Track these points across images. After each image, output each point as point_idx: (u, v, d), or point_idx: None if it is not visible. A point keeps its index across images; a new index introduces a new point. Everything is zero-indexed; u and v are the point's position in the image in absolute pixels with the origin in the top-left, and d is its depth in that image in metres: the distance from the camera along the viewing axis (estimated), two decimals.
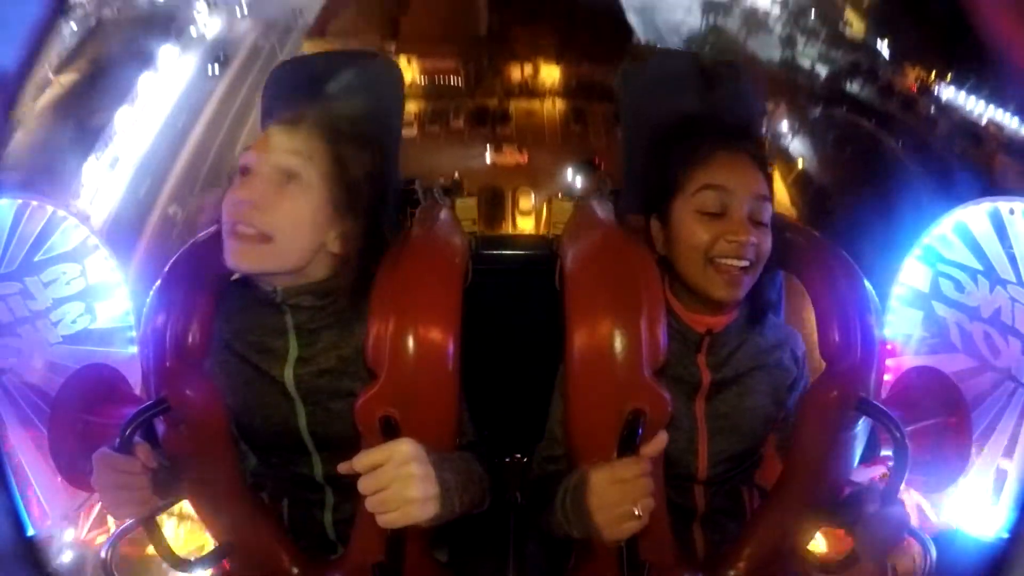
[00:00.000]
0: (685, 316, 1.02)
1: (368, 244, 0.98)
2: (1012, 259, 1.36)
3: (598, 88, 16.48)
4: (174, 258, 1.06)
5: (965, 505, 1.36)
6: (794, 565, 1.06)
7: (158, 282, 1.04)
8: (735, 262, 0.93)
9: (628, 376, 0.90)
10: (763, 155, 1.02)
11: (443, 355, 0.88)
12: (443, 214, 1.14)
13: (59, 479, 1.38)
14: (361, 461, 0.77)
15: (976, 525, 1.32)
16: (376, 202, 1.00)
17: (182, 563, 1.00)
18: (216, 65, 17.25)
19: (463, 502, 0.84)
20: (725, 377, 1.03)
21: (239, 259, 0.91)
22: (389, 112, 1.19)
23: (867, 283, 1.07)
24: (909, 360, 1.48)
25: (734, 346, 1.04)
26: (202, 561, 1.03)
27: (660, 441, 0.83)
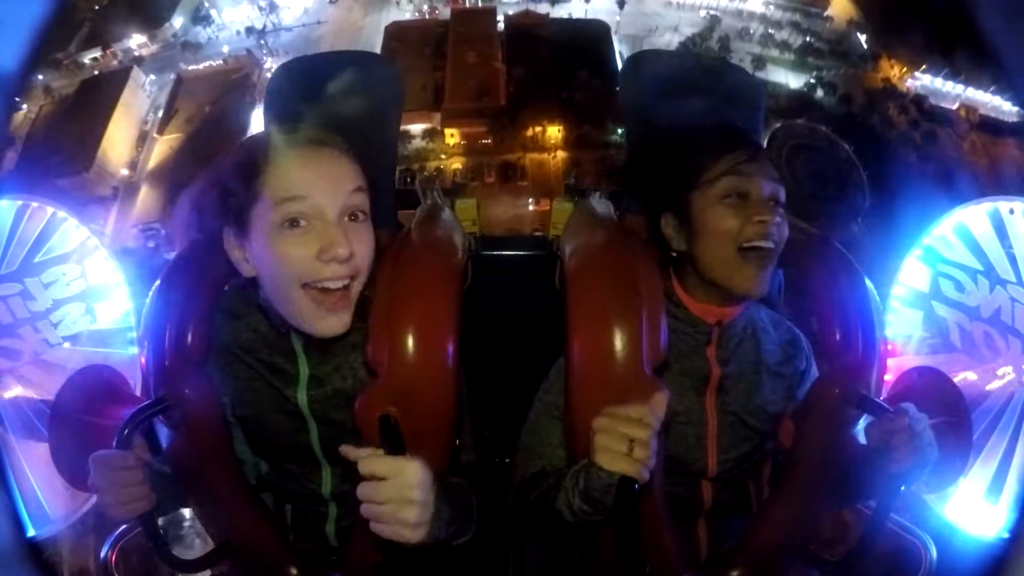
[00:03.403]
0: (695, 308, 1.03)
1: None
2: (1012, 259, 1.36)
3: (591, 141, 21.48)
4: (173, 259, 1.06)
5: (965, 505, 1.35)
6: (797, 563, 1.06)
7: (158, 282, 1.05)
8: (763, 243, 0.95)
9: (629, 374, 0.90)
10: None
11: (443, 354, 0.89)
12: (443, 214, 1.14)
13: (59, 479, 1.37)
14: (367, 466, 0.76)
15: (976, 525, 1.32)
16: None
17: (182, 564, 1.00)
18: None
19: (449, 532, 0.84)
20: (733, 372, 1.03)
21: (344, 324, 0.89)
22: (388, 112, 1.19)
23: (868, 282, 1.08)
24: (909, 360, 1.48)
25: (740, 340, 1.05)
26: (202, 561, 1.03)
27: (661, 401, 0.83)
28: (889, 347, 1.42)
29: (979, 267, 1.40)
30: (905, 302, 1.51)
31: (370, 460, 0.77)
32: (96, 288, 1.48)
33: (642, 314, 0.92)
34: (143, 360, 1.05)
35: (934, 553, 1.00)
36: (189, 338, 1.00)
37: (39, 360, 1.42)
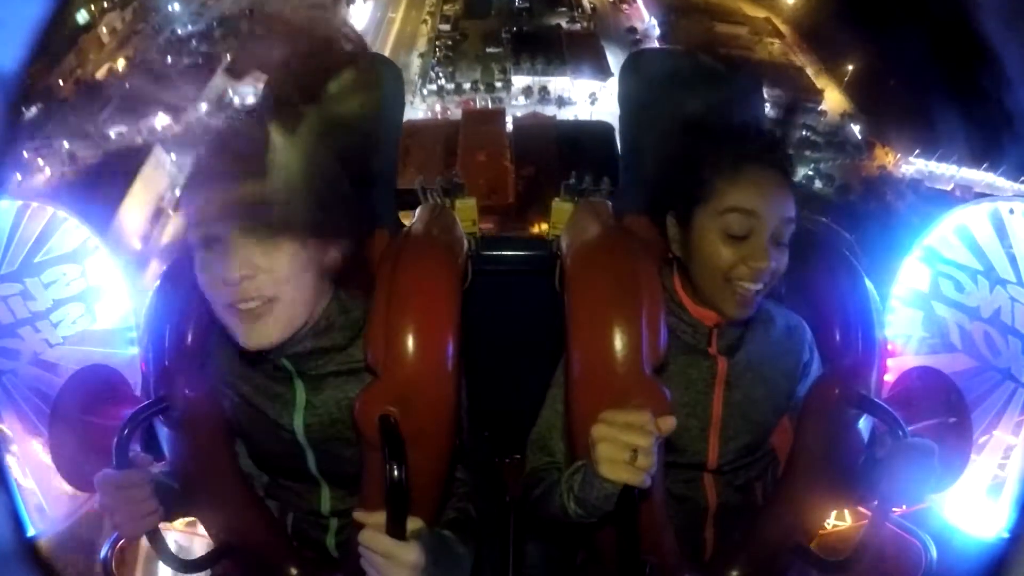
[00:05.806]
0: (694, 311, 1.03)
1: (352, 263, 0.94)
2: (1012, 259, 1.36)
3: None
4: (173, 258, 1.06)
5: (965, 505, 1.35)
6: (797, 563, 1.06)
7: (157, 283, 1.05)
8: (751, 285, 0.94)
9: (629, 375, 0.90)
10: (791, 169, 1.01)
11: (443, 354, 0.89)
12: (443, 214, 1.14)
13: (59, 479, 1.37)
14: (368, 541, 0.78)
15: (976, 525, 1.32)
16: (355, 218, 0.94)
17: (182, 564, 1.01)
18: None
19: None
20: (740, 363, 1.04)
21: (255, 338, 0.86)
22: (389, 111, 1.19)
23: (868, 282, 1.08)
24: (909, 360, 1.48)
25: (744, 333, 1.05)
26: (202, 561, 1.03)
27: (669, 423, 0.82)
28: (889, 347, 1.42)
29: (979, 267, 1.39)
30: (905, 302, 1.51)
31: (372, 537, 0.78)
32: (96, 288, 1.48)
33: (642, 314, 0.92)
34: (143, 360, 1.05)
35: (934, 553, 1.00)
36: (189, 338, 1.00)
37: (39, 360, 1.42)
